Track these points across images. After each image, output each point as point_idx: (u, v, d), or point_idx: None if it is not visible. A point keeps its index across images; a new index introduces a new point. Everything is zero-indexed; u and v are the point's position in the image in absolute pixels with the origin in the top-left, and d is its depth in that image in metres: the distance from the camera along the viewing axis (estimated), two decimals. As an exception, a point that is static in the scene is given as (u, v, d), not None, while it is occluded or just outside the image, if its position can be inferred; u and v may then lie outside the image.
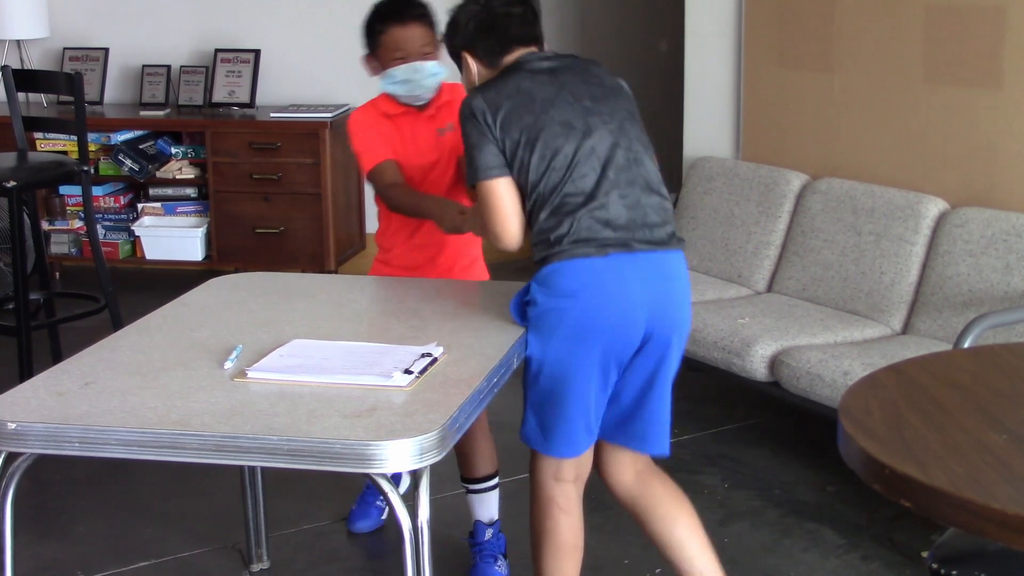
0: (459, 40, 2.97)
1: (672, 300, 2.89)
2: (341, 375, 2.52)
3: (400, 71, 3.34)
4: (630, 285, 2.78)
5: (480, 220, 2.92)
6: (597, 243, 2.76)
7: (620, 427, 2.94)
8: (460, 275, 3.49)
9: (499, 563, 3.45)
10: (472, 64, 2.95)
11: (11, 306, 4.61)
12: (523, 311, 2.85)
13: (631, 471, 3.03)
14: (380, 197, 3.42)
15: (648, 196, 2.84)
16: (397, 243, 3.49)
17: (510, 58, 2.91)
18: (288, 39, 6.37)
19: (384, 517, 3.75)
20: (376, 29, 3.37)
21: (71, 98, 4.76)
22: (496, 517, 3.48)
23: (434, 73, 3.36)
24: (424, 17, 3.37)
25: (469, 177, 2.85)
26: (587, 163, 2.80)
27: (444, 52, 3.17)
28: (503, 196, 2.82)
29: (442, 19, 3.18)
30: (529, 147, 2.78)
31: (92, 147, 5.91)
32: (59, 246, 6.36)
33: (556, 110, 2.81)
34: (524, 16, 2.93)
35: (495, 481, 3.47)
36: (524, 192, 2.82)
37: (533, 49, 2.93)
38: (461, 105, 2.87)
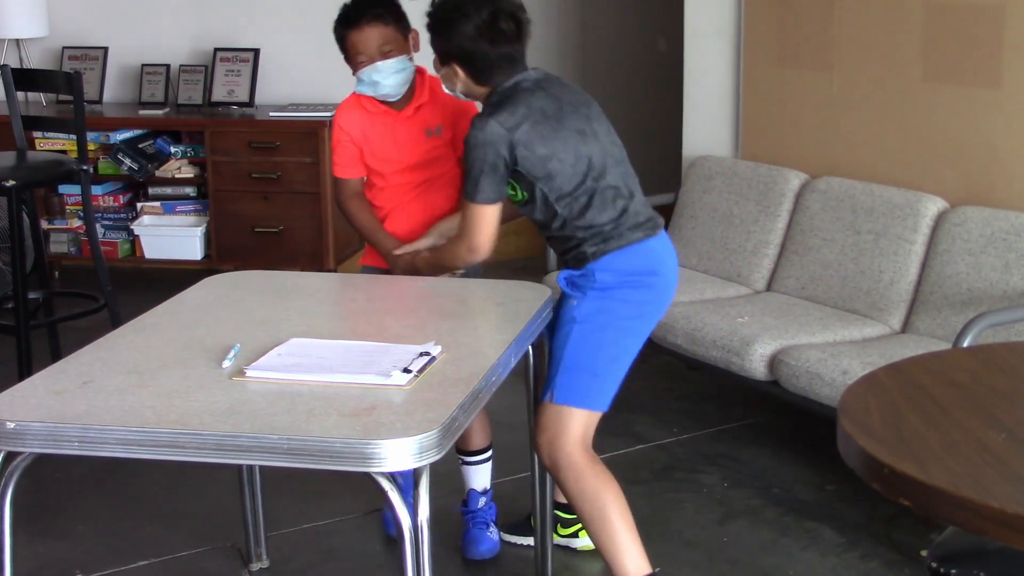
0: (453, 51, 3.08)
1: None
2: (340, 374, 2.52)
3: (364, 73, 3.43)
4: (673, 258, 3.23)
5: (463, 236, 3.13)
6: (648, 226, 3.13)
7: None
8: None
9: (491, 530, 3.61)
10: (461, 75, 3.10)
11: (10, 305, 4.61)
12: (573, 283, 3.12)
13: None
14: (339, 202, 3.64)
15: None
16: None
17: (498, 80, 3.07)
18: (287, 38, 6.37)
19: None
20: (337, 37, 3.48)
21: (70, 97, 4.75)
22: (489, 487, 3.63)
23: (397, 70, 3.42)
24: (379, 17, 3.41)
25: (468, 194, 3.06)
26: (609, 162, 3.10)
27: (410, 43, 3.43)
28: (495, 220, 3.08)
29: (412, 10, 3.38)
30: (558, 159, 3.02)
31: (91, 146, 5.91)
32: (58, 245, 6.35)
33: (568, 120, 3.06)
34: (519, 37, 3.08)
35: (489, 454, 3.63)
36: (547, 199, 3.06)
37: (518, 72, 3.09)
38: (472, 130, 3.03)
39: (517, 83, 3.06)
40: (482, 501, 3.61)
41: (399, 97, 3.48)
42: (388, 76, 3.42)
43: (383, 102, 3.50)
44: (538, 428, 3.14)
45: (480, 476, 3.62)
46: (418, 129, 3.51)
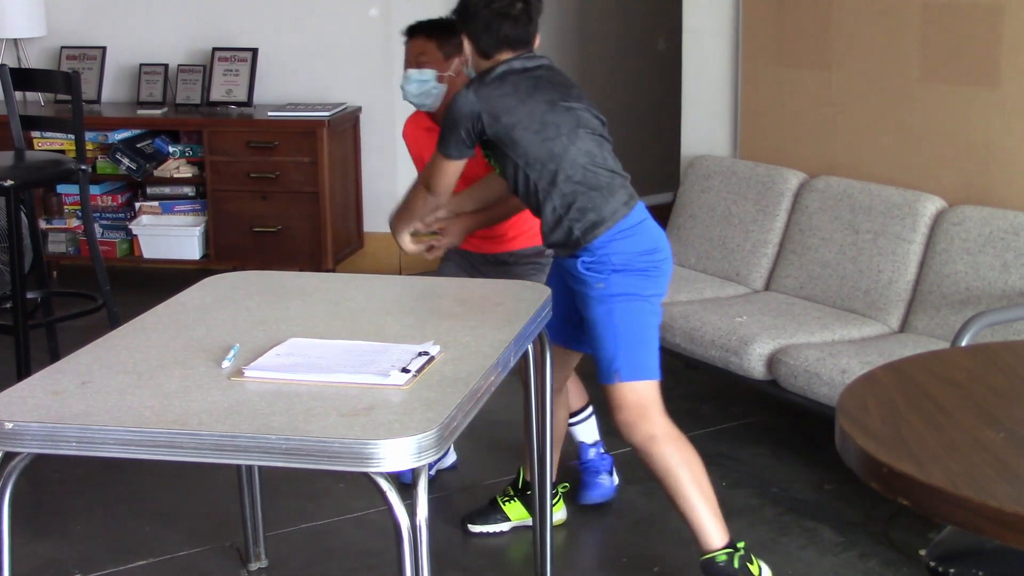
0: (461, 26, 3.34)
1: None
2: (338, 374, 2.52)
3: (402, 79, 3.75)
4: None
5: (431, 181, 3.39)
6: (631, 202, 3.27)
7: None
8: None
9: (602, 477, 3.87)
10: (467, 47, 3.32)
11: (8, 305, 4.61)
12: (589, 268, 3.22)
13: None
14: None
15: None
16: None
17: (502, 56, 3.26)
18: (286, 38, 6.37)
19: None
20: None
21: (68, 97, 4.75)
22: (598, 438, 3.89)
23: (419, 79, 3.70)
24: (421, 31, 3.74)
25: (439, 146, 3.30)
26: (582, 132, 3.24)
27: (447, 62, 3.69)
28: (455, 173, 3.33)
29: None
30: (522, 127, 3.18)
31: (90, 146, 5.91)
32: (56, 245, 6.35)
33: (541, 93, 3.23)
34: (518, 19, 3.27)
35: (589, 411, 3.89)
36: (519, 168, 3.23)
37: (520, 52, 3.27)
38: (456, 95, 3.24)
39: (510, 63, 3.25)
40: (592, 452, 3.87)
41: (435, 107, 3.73)
42: (410, 83, 3.70)
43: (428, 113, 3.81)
44: (616, 411, 3.26)
45: (586, 431, 3.87)
46: None
